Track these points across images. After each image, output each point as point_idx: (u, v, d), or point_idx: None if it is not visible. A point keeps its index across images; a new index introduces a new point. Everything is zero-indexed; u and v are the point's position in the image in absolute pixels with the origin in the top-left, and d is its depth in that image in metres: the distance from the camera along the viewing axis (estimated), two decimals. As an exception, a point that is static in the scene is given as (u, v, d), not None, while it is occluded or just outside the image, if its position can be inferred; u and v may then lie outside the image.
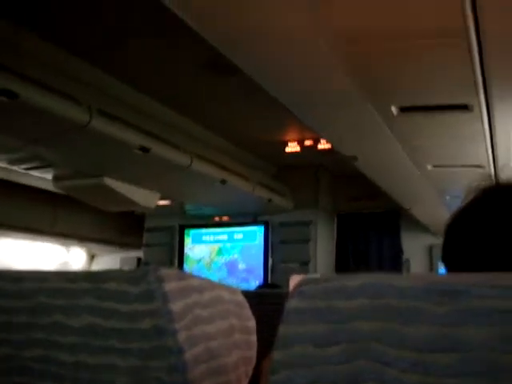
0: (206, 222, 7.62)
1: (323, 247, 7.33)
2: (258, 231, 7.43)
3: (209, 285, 0.86)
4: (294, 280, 1.18)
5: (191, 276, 0.81)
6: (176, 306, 0.75)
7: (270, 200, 6.51)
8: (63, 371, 0.65)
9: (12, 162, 4.77)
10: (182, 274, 0.79)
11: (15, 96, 3.09)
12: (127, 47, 3.54)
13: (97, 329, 0.64)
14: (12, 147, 4.15)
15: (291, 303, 0.51)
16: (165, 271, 0.77)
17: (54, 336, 0.67)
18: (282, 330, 0.51)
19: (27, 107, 3.22)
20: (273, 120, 4.91)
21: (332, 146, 3.79)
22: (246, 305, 0.96)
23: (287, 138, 5.71)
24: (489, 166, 3.72)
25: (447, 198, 5.09)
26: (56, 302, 0.68)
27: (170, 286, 0.75)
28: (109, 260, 8.42)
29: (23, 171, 5.19)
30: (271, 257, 7.25)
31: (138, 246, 8.11)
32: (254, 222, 7.46)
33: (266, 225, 7.33)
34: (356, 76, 2.38)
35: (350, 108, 2.78)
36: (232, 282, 7.49)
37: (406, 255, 7.48)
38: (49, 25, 3.27)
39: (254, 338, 0.83)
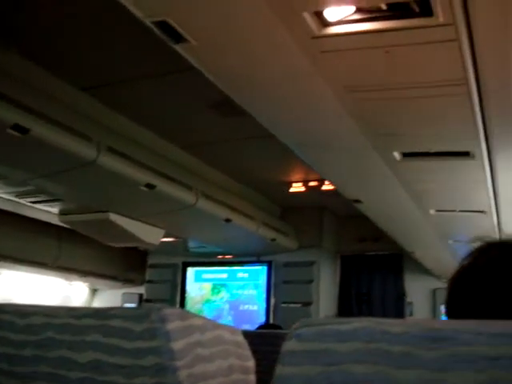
0: (210, 260, 7.60)
1: (326, 288, 7.28)
2: (261, 271, 7.40)
3: (210, 325, 0.88)
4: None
5: (193, 315, 0.84)
6: (178, 345, 0.77)
7: (273, 240, 6.50)
8: (68, 405, 0.67)
9: (19, 194, 4.82)
10: (185, 314, 0.82)
11: (26, 131, 3.15)
12: (138, 85, 3.61)
13: (101, 364, 0.67)
14: (20, 180, 4.19)
15: (287, 345, 0.53)
16: (168, 310, 0.80)
17: (59, 370, 0.69)
18: (278, 370, 0.52)
19: (37, 142, 3.27)
20: (278, 160, 4.95)
21: (335, 188, 3.82)
22: (246, 345, 0.99)
23: (292, 178, 5.74)
24: (491, 212, 3.74)
25: (450, 242, 5.09)
26: (63, 338, 0.71)
27: (172, 325, 0.78)
28: (110, 295, 8.37)
29: (30, 204, 5.23)
30: (273, 297, 7.20)
31: (140, 283, 8.08)
32: (258, 262, 7.43)
33: (269, 264, 7.30)
34: (359, 122, 2.43)
35: (354, 152, 2.83)
36: (233, 321, 7.43)
37: (409, 298, 7.42)
38: (59, 61, 3.33)
39: (252, 377, 0.85)
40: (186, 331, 0.80)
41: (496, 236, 4.53)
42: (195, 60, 2.04)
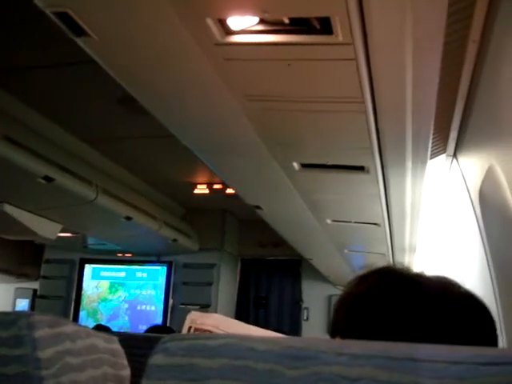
0: (108, 258, 7.45)
1: (225, 291, 7.32)
2: (160, 271, 7.34)
3: (83, 332, 0.86)
4: (192, 317, 1.17)
5: (66, 323, 0.81)
6: (45, 353, 0.75)
7: (175, 240, 6.47)
8: None
9: None
10: (56, 321, 0.79)
11: None
12: (40, 74, 3.48)
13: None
14: None
15: (154, 359, 0.52)
16: (37, 317, 0.77)
17: None
18: None
19: None
20: (184, 161, 4.92)
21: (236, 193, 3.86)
22: (122, 354, 0.97)
23: (197, 180, 5.73)
24: (384, 224, 3.90)
25: (345, 251, 5.26)
26: None
27: (40, 333, 0.75)
28: (2, 290, 8.02)
29: None
30: (172, 298, 7.16)
31: (35, 278, 7.79)
32: (158, 262, 7.37)
33: (169, 265, 7.25)
34: (260, 131, 2.46)
35: (255, 160, 2.86)
36: (130, 321, 7.32)
37: (305, 303, 7.60)
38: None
39: None
40: (55, 339, 0.77)
41: (388, 247, 4.73)
42: (96, 55, 1.99)
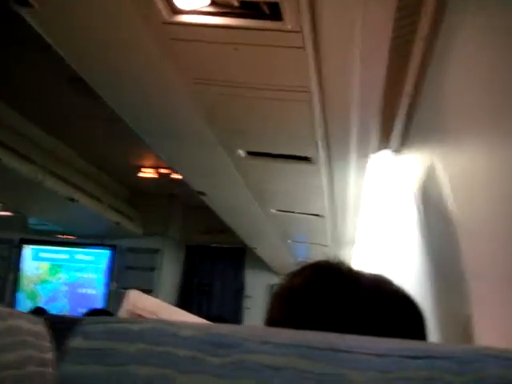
0: (50, 239, 7.29)
1: (168, 277, 7.28)
2: (103, 254, 7.23)
3: (5, 313, 0.82)
4: (131, 295, 1.14)
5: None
6: (-37, 336, 0.71)
7: (118, 223, 6.38)
8: None
9: None
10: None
11: None
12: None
13: None
14: None
15: (72, 342, 0.49)
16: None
17: None
18: (62, 369, 0.49)
19: None
20: (130, 144, 4.83)
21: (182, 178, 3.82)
22: (47, 336, 0.93)
23: (143, 163, 5.66)
24: (327, 216, 3.93)
25: (289, 241, 5.29)
26: None
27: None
28: None
29: None
30: (114, 282, 7.07)
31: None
32: (101, 245, 7.26)
33: (113, 249, 7.16)
34: (207, 116, 2.43)
35: (200, 145, 2.83)
36: (69, 304, 7.21)
37: (247, 291, 7.63)
38: None
39: (50, 370, 0.81)
40: (-27, 320, 0.74)
41: (331, 239, 4.78)
42: (40, 28, 1.92)
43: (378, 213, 3.55)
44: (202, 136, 2.67)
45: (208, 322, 1.15)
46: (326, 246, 4.97)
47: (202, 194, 3.88)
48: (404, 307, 0.81)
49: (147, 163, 5.66)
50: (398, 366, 0.45)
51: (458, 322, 1.76)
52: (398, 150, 2.83)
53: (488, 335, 1.37)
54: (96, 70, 2.19)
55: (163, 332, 0.48)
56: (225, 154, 2.89)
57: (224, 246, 7.47)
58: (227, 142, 2.71)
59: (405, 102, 2.35)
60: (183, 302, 7.33)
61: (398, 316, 0.78)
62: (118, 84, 2.29)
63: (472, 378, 0.44)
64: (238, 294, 7.65)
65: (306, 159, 2.77)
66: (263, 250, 6.31)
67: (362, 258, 4.56)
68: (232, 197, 3.86)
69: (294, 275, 0.85)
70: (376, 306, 0.78)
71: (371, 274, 0.84)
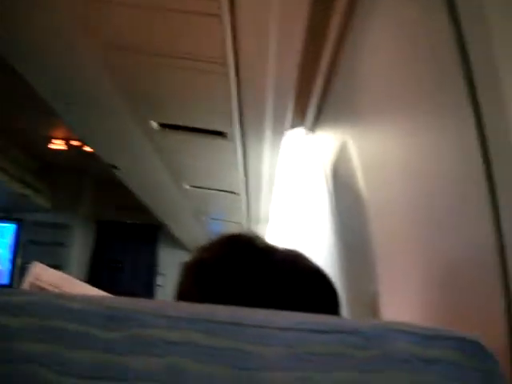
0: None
1: (79, 253, 7.12)
2: (8, 228, 6.95)
3: None
4: (35, 268, 1.07)
5: None
6: None
7: (24, 195, 6.13)
8: None
9: None
10: None
11: None
12: None
13: None
14: None
15: None
16: None
17: None
18: None
19: None
20: (39, 113, 4.62)
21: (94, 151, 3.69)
22: None
23: (53, 133, 5.43)
24: (241, 193, 3.92)
25: (203, 218, 5.26)
26: None
27: None
28: None
29: None
30: (20, 258, 6.82)
31: None
32: (6, 219, 6.97)
33: (19, 223, 6.89)
34: (118, 84, 2.33)
35: (111, 115, 2.72)
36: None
37: (161, 269, 7.57)
38: None
39: None
40: None
41: (245, 216, 4.79)
42: None
43: (292, 191, 3.58)
44: (114, 105, 2.56)
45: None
46: (240, 223, 4.98)
47: (114, 167, 3.76)
48: (318, 283, 0.80)
49: (58, 134, 5.44)
50: (305, 340, 0.44)
51: (366, 299, 1.79)
52: (312, 129, 2.83)
53: (392, 311, 1.40)
54: (2, 31, 2.05)
55: (52, 305, 0.46)
56: (137, 126, 2.80)
57: (137, 222, 7.37)
58: (139, 113, 2.62)
59: (320, 80, 2.35)
60: (94, 279, 7.18)
61: (312, 291, 0.78)
62: (23, 44, 2.15)
63: (379, 352, 0.45)
64: (150, 271, 7.58)
65: (221, 134, 2.73)
66: (178, 227, 6.26)
67: (276, 237, 4.60)
68: (145, 172, 3.77)
69: (206, 248, 0.82)
70: (290, 280, 0.76)
71: (286, 249, 0.83)
